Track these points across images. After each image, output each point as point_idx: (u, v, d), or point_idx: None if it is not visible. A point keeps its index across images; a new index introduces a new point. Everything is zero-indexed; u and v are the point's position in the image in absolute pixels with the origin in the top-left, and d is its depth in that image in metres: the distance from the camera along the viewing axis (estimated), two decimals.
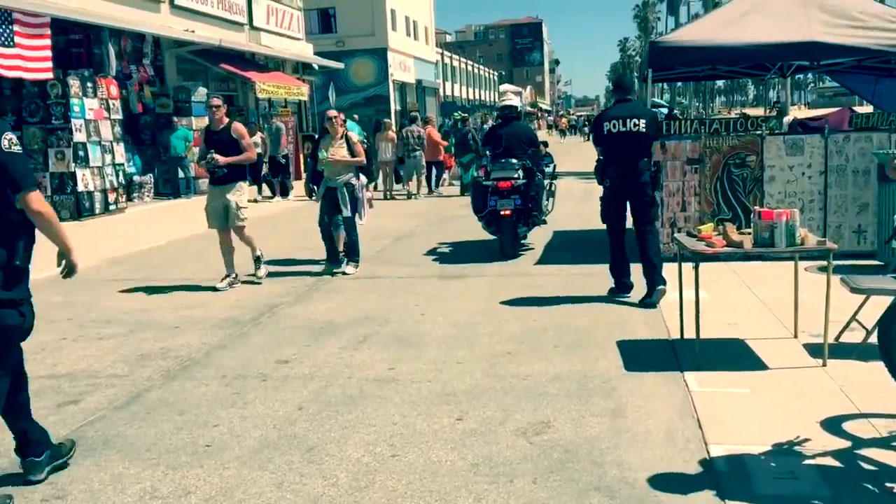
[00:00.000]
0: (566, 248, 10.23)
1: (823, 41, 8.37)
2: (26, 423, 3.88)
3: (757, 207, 5.30)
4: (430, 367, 5.52)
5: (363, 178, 9.29)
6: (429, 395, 4.95)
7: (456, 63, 63.21)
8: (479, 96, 73.87)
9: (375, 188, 19.07)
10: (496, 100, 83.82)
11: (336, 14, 40.60)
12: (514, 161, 9.76)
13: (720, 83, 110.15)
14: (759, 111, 69.38)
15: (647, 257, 6.98)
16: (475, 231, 12.35)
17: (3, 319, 3.52)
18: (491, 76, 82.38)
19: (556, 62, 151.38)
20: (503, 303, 7.38)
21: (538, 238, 11.12)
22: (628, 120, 7.00)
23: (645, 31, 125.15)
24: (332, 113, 9.25)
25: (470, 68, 69.59)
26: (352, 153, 8.96)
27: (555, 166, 11.57)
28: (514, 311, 7.02)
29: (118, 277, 9.53)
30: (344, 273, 9.10)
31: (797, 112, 25.62)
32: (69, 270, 3.83)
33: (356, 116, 31.83)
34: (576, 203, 14.34)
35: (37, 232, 3.66)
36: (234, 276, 8.66)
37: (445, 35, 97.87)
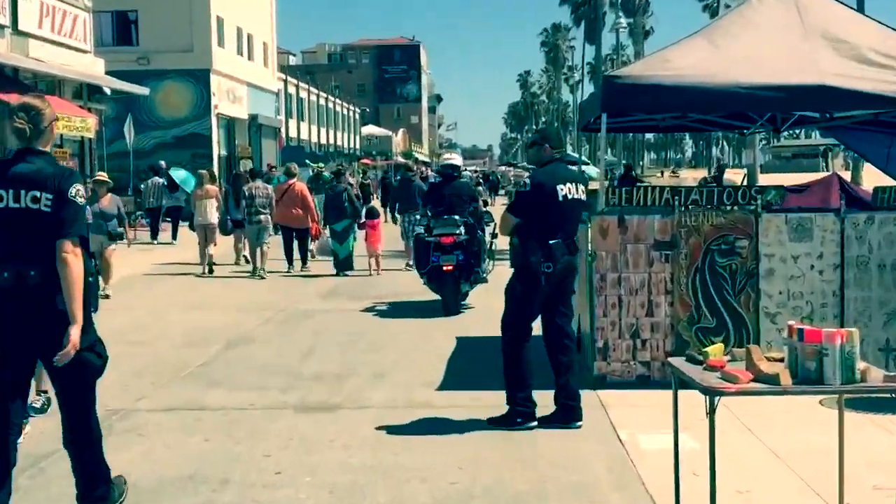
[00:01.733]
0: (476, 364, 9.79)
1: (839, 86, 8.36)
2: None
3: (794, 323, 4.92)
4: None
5: None
6: None
7: (304, 94, 63.71)
8: (335, 139, 74.71)
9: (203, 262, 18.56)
10: (357, 146, 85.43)
11: (139, 20, 39.87)
12: (457, 217, 13.11)
13: (650, 136, 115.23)
14: (699, 173, 72.61)
15: (570, 359, 7.45)
16: (345, 331, 12.03)
17: (88, 361, 5.09)
18: (351, 114, 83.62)
19: (438, 99, 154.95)
20: (398, 449, 6.85)
21: (441, 349, 10.72)
22: (574, 185, 7.44)
23: (555, 62, 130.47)
24: None
25: (323, 102, 70.51)
26: None
27: (495, 224, 13.38)
28: (419, 466, 6.45)
29: None
30: None
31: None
32: (65, 351, 4.84)
33: (163, 163, 31.10)
34: (477, 294, 14.01)
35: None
36: None
37: (289, 56, 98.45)
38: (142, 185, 27.60)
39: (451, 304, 12.95)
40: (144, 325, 12.57)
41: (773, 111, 10.33)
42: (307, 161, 42.29)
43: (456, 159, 15.09)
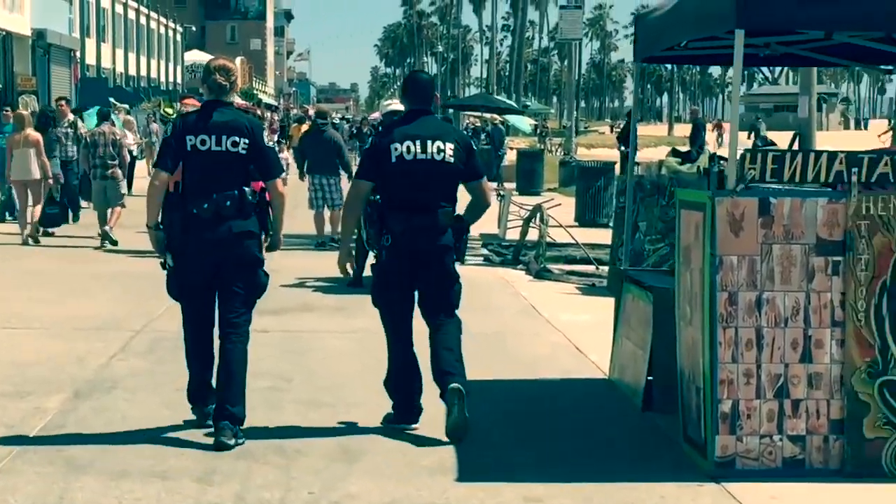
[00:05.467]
0: (504, 422, 9.09)
1: None
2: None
3: None
4: None
5: None
6: None
7: (107, 3, 64.78)
8: (151, 70, 77.64)
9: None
10: (178, 79, 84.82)
11: None
12: None
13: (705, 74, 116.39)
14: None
15: (449, 364, 8.56)
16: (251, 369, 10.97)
17: (262, 278, 8.73)
18: (171, 34, 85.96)
19: (288, 17, 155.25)
20: None
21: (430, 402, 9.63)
22: (429, 142, 8.72)
23: None
24: None
25: (132, 16, 72.60)
26: None
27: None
28: None
29: None
30: None
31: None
32: (274, 245, 9.03)
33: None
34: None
35: None
36: None
37: None
38: None
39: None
40: None
41: None
42: (111, 100, 41.56)
43: (398, 104, 17.46)
